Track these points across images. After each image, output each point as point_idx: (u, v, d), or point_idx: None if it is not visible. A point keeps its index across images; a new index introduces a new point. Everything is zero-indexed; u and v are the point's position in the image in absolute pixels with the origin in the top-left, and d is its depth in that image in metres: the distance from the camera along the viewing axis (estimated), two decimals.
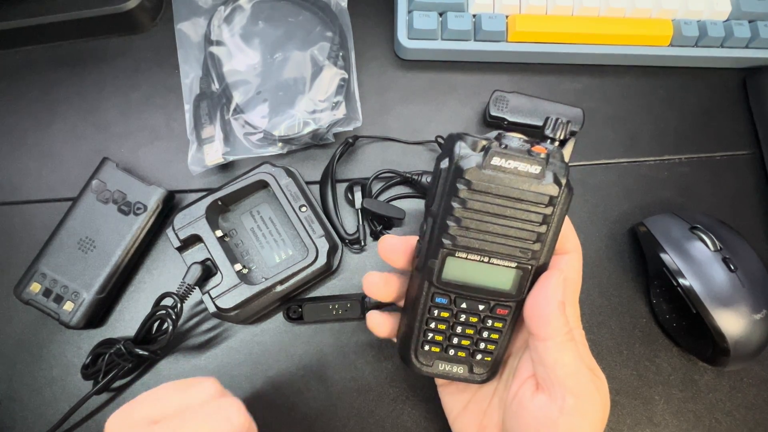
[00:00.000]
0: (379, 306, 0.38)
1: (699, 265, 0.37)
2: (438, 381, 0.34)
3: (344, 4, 0.45)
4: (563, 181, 0.25)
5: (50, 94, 0.44)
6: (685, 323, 0.38)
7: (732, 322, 0.35)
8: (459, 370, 0.30)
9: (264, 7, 0.45)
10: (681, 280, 0.37)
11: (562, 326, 0.27)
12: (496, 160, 0.25)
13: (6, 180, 0.42)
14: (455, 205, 0.26)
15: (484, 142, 0.26)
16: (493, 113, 0.43)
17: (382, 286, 0.31)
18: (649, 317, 0.41)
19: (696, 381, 0.40)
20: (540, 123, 0.43)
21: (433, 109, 0.45)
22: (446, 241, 0.26)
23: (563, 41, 0.45)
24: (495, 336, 0.29)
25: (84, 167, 0.42)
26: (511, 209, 0.26)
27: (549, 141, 0.27)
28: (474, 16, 0.45)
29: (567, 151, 0.27)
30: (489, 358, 0.30)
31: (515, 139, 0.26)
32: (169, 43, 0.45)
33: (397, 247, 0.30)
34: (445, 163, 0.26)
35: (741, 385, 0.40)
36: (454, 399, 0.33)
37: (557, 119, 0.27)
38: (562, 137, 0.27)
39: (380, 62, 0.46)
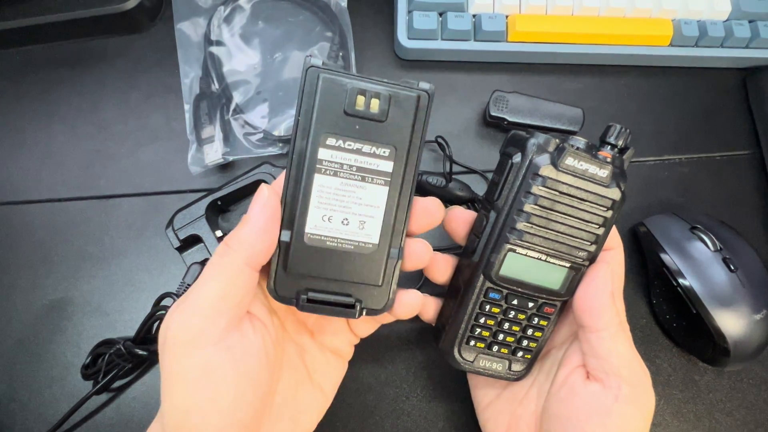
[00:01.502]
0: None
1: (699, 265, 0.37)
2: (476, 396, 0.34)
3: (344, 4, 0.45)
4: (623, 187, 0.27)
5: (50, 94, 0.44)
6: (685, 323, 0.38)
7: (732, 323, 0.35)
8: (498, 366, 0.31)
9: (264, 7, 0.45)
10: (681, 281, 0.37)
11: (614, 317, 0.27)
12: (570, 161, 0.26)
13: (6, 180, 0.42)
14: (526, 200, 0.26)
15: (557, 141, 0.26)
16: (493, 113, 0.43)
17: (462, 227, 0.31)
18: (649, 317, 0.41)
19: (696, 381, 0.39)
20: (540, 123, 0.43)
21: (433, 108, 0.45)
22: (512, 237, 0.27)
23: (563, 41, 0.45)
24: (538, 334, 0.30)
25: (84, 167, 0.42)
26: (578, 210, 0.27)
27: (610, 147, 0.28)
28: (474, 16, 0.45)
29: (627, 158, 0.29)
30: (529, 356, 0.31)
31: (582, 142, 0.27)
32: (168, 43, 0.45)
33: (466, 220, 0.30)
34: (517, 158, 0.27)
35: (741, 386, 0.40)
36: (486, 388, 0.34)
37: (621, 127, 0.28)
38: (623, 145, 0.28)
39: (380, 62, 0.46)
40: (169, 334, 0.24)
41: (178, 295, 0.36)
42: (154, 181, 0.42)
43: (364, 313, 0.27)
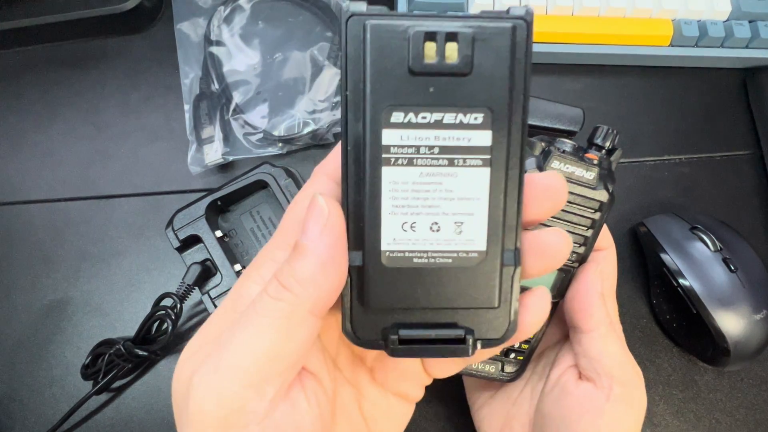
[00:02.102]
0: None
1: (699, 265, 0.37)
2: (471, 396, 0.35)
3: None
4: (611, 189, 0.26)
5: (50, 94, 0.44)
6: (685, 323, 0.38)
7: (732, 323, 0.35)
8: (491, 368, 0.31)
9: (264, 7, 0.45)
10: (681, 281, 0.37)
11: (604, 317, 0.27)
12: (555, 164, 0.26)
13: (6, 180, 0.42)
14: None
15: (542, 144, 0.26)
16: None
17: None
18: (650, 317, 0.41)
19: (696, 381, 0.39)
20: (540, 123, 0.43)
21: None
22: None
23: (563, 41, 0.45)
24: (530, 336, 0.30)
25: (84, 167, 0.42)
26: (565, 212, 0.27)
27: (596, 149, 0.28)
28: None
29: (614, 160, 0.29)
30: (521, 357, 0.31)
31: (569, 144, 0.27)
32: (168, 43, 0.45)
33: None
34: None
35: (741, 386, 0.40)
36: (481, 389, 0.34)
37: (608, 128, 0.28)
38: (610, 146, 0.28)
39: None
40: (194, 405, 0.18)
41: (177, 296, 0.36)
42: (153, 181, 0.42)
43: (479, 346, 0.20)
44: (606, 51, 0.46)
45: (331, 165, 0.20)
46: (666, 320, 0.40)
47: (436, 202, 0.19)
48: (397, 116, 0.18)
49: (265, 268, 0.20)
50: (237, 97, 0.42)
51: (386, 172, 0.18)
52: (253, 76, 0.43)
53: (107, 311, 0.39)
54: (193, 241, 0.38)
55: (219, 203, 0.39)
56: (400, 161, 0.18)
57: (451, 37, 0.17)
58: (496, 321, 0.20)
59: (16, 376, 0.38)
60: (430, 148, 0.18)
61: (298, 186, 0.39)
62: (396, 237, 0.19)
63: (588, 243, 0.28)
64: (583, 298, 0.27)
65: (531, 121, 0.43)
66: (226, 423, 0.18)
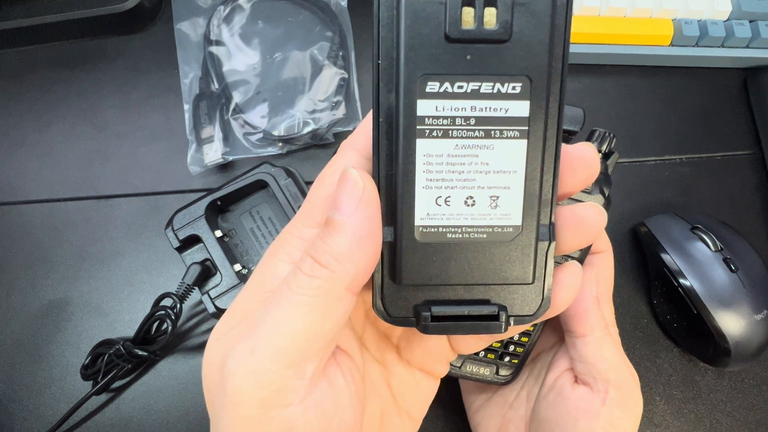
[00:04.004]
0: None
1: (700, 265, 0.37)
2: (467, 398, 0.35)
3: (344, 3, 0.45)
4: (607, 193, 0.26)
5: (50, 94, 0.44)
6: (685, 324, 0.38)
7: (733, 323, 0.35)
8: (485, 371, 0.31)
9: (263, 7, 0.45)
10: (682, 281, 0.37)
11: (599, 321, 0.27)
12: None
13: (6, 180, 0.42)
14: None
15: None
16: None
17: None
18: (650, 317, 0.41)
19: (697, 381, 0.39)
20: None
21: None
22: None
23: None
24: (525, 339, 0.30)
25: (83, 167, 0.42)
26: None
27: None
28: None
29: (610, 163, 0.28)
30: (516, 361, 0.30)
31: None
32: (168, 43, 0.45)
33: None
34: None
35: (742, 386, 0.39)
36: (477, 392, 0.34)
37: (605, 132, 0.28)
38: (606, 150, 0.28)
39: None
40: (232, 388, 0.17)
41: (177, 296, 0.36)
42: (153, 181, 0.42)
43: (512, 322, 0.19)
44: (606, 51, 0.46)
45: (359, 139, 0.20)
46: (666, 320, 0.40)
47: (472, 176, 0.18)
48: (432, 86, 0.17)
49: (291, 246, 0.20)
50: (237, 97, 0.42)
51: (421, 144, 0.18)
52: (252, 76, 0.43)
53: (107, 311, 0.39)
54: (192, 241, 0.38)
55: (219, 203, 0.39)
56: (435, 133, 0.18)
57: (491, 1, 0.17)
58: (529, 297, 0.19)
59: (15, 376, 0.38)
60: (466, 119, 0.18)
61: (298, 186, 0.39)
62: (430, 212, 0.18)
63: (583, 247, 0.28)
64: (578, 302, 0.27)
65: None
66: (267, 403, 0.17)
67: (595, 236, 0.20)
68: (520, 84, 0.17)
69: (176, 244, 0.37)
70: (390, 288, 0.19)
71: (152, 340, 0.37)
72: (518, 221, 0.19)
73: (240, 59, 0.44)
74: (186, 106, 0.43)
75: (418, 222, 0.18)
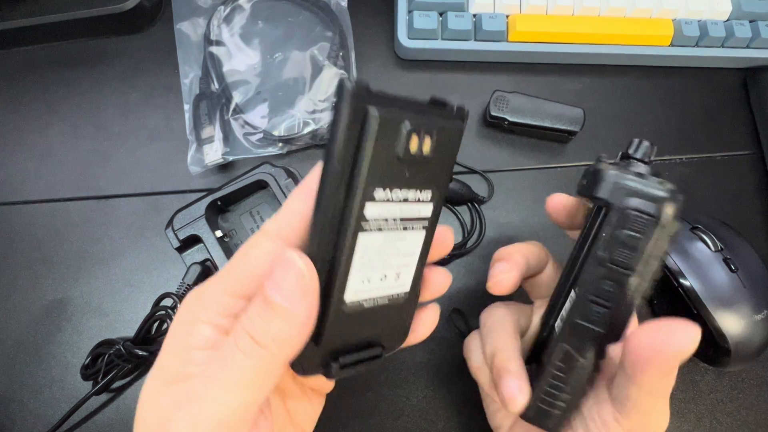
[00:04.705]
0: None
1: (700, 265, 0.37)
2: (487, 398, 0.33)
3: (344, 3, 0.45)
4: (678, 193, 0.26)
5: (50, 94, 0.44)
6: None
7: (733, 323, 0.35)
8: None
9: (264, 7, 0.45)
10: (682, 281, 0.37)
11: (668, 387, 0.25)
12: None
13: (6, 180, 0.42)
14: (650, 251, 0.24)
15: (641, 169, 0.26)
16: (493, 113, 0.43)
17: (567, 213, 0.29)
18: (650, 318, 0.41)
19: (697, 382, 0.39)
20: (541, 123, 0.43)
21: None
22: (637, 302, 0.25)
23: (564, 41, 0.45)
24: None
25: (84, 167, 0.42)
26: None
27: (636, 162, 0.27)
28: (474, 15, 0.45)
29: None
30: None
31: (643, 167, 0.27)
32: (168, 43, 0.45)
33: (568, 206, 0.29)
34: (631, 202, 0.24)
35: (742, 386, 0.39)
36: (505, 415, 0.32)
37: (640, 141, 0.28)
38: (648, 159, 0.27)
39: (380, 62, 0.46)
40: None
41: (177, 296, 0.36)
42: (153, 181, 0.42)
43: (387, 355, 0.24)
44: (606, 51, 0.46)
45: (284, 225, 0.21)
46: None
47: (389, 259, 0.22)
48: (380, 194, 0.20)
49: (212, 311, 0.21)
50: (237, 97, 0.42)
51: (362, 237, 0.21)
52: (253, 76, 0.43)
53: (107, 311, 0.39)
54: (193, 241, 0.38)
55: (219, 203, 0.39)
56: (373, 228, 0.21)
57: (428, 132, 0.21)
58: (399, 333, 0.25)
59: (15, 376, 0.38)
60: (395, 219, 0.22)
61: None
62: (356, 289, 0.22)
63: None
64: (665, 360, 0.23)
65: (532, 122, 0.43)
66: None
67: (448, 249, 0.26)
68: (431, 192, 0.22)
69: (176, 244, 0.37)
70: (309, 348, 0.21)
71: (152, 340, 0.37)
72: (408, 288, 0.24)
73: (240, 59, 0.44)
74: (186, 106, 0.43)
75: (347, 298, 0.21)
